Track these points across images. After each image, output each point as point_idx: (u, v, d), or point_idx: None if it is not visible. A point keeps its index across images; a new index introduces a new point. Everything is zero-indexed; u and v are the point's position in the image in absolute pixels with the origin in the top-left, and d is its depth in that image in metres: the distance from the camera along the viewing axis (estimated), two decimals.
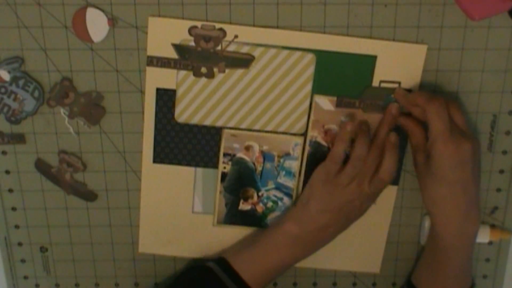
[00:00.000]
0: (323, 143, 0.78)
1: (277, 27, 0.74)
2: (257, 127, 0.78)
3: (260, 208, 0.82)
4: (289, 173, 0.80)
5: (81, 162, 0.80)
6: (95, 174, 0.81)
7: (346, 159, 0.79)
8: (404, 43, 0.74)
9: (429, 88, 0.77)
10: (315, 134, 0.78)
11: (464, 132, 0.71)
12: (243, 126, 0.78)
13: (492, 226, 0.83)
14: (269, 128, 0.78)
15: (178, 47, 0.74)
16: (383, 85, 0.75)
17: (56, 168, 0.80)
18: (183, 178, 0.81)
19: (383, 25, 0.74)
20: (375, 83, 0.75)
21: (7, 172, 0.81)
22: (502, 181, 0.82)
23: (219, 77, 0.76)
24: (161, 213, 0.82)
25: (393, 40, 0.74)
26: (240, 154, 0.79)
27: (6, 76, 0.76)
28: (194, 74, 0.76)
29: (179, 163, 0.80)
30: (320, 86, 0.76)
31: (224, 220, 0.83)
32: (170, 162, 0.80)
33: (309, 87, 0.76)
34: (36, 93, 0.76)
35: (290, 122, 0.77)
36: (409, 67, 0.75)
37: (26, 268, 0.86)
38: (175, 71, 0.75)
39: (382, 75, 0.75)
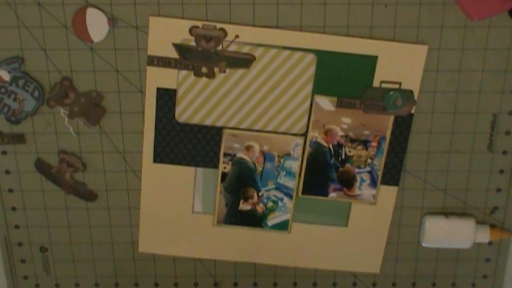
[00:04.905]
0: (324, 143, 0.78)
1: (277, 27, 0.74)
2: (257, 127, 0.78)
3: (260, 208, 0.82)
4: (289, 173, 0.80)
5: (81, 162, 0.80)
6: (95, 174, 0.81)
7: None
8: (405, 43, 0.74)
9: (429, 88, 0.77)
10: (315, 135, 0.78)
11: None
12: (244, 126, 0.78)
13: (492, 226, 0.83)
14: (269, 128, 0.78)
15: (179, 47, 0.74)
16: (384, 85, 0.76)
17: (56, 168, 0.80)
18: (183, 178, 0.81)
19: (383, 25, 0.74)
20: (376, 83, 0.75)
21: (7, 172, 0.81)
22: (502, 181, 0.82)
23: (219, 77, 0.76)
24: (161, 213, 0.82)
25: (393, 40, 0.74)
26: (240, 154, 0.79)
27: (6, 76, 0.75)
28: (195, 74, 0.75)
29: (179, 163, 0.80)
30: (320, 86, 0.76)
31: (224, 220, 0.83)
32: (170, 162, 0.80)
33: (309, 87, 0.76)
34: (36, 93, 0.76)
35: (291, 122, 0.77)
36: (410, 68, 0.75)
37: (26, 268, 0.86)
38: (175, 71, 0.75)
39: (382, 75, 0.75)
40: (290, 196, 0.81)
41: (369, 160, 0.79)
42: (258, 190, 0.81)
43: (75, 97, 0.77)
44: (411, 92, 0.76)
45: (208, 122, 0.78)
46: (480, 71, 0.76)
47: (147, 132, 0.78)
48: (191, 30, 0.73)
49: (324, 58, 0.75)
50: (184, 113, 0.77)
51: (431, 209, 0.83)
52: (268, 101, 0.77)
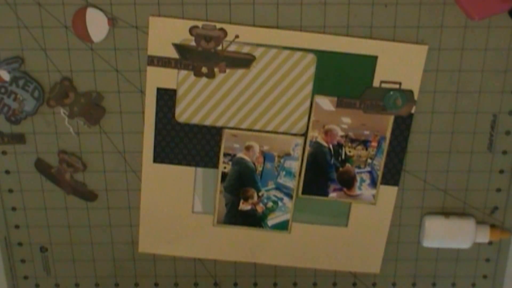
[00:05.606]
0: (324, 143, 0.78)
1: (277, 27, 0.74)
2: (257, 127, 0.78)
3: (260, 208, 0.82)
4: (289, 173, 0.80)
5: (81, 162, 0.80)
6: (95, 174, 0.81)
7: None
8: (405, 43, 0.74)
9: (429, 88, 0.77)
10: (315, 134, 0.78)
11: None
12: (244, 126, 0.78)
13: (492, 226, 0.83)
14: (269, 128, 0.78)
15: (179, 47, 0.74)
16: (384, 85, 0.76)
17: (56, 168, 0.80)
18: (183, 178, 0.81)
19: (383, 25, 0.74)
20: (376, 83, 0.75)
21: (7, 172, 0.81)
22: (502, 181, 0.82)
23: (219, 77, 0.76)
24: (161, 213, 0.82)
25: (393, 40, 0.74)
26: (240, 154, 0.79)
27: (6, 76, 0.75)
28: (195, 74, 0.75)
29: (179, 163, 0.80)
30: (320, 86, 0.76)
31: (224, 220, 0.83)
32: (170, 162, 0.80)
33: (309, 87, 0.76)
34: (36, 93, 0.76)
35: (291, 122, 0.77)
36: (410, 68, 0.75)
37: (26, 268, 0.86)
38: (175, 71, 0.75)
39: (382, 75, 0.75)
40: (290, 196, 0.81)
41: (369, 160, 0.79)
42: (258, 190, 0.81)
43: (75, 97, 0.77)
44: (411, 92, 0.76)
45: (208, 122, 0.78)
46: (480, 71, 0.76)
47: (147, 132, 0.78)
48: (191, 30, 0.73)
49: (324, 58, 0.75)
50: (184, 113, 0.77)
51: (431, 209, 0.83)
52: (268, 101, 0.77)
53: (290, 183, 0.80)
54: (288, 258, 0.85)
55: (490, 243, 0.85)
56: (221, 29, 0.73)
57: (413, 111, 0.77)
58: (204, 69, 0.75)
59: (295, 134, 0.78)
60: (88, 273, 0.87)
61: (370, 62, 0.75)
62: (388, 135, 0.78)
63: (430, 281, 0.87)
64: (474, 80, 0.77)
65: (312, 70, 0.75)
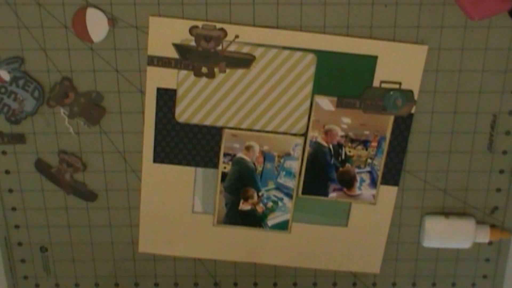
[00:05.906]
0: (324, 143, 0.78)
1: (277, 27, 0.74)
2: (257, 127, 0.78)
3: (260, 208, 0.82)
4: (289, 173, 0.80)
5: (81, 162, 0.80)
6: (95, 174, 0.81)
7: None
8: (405, 43, 0.74)
9: (429, 88, 0.77)
10: (315, 134, 0.78)
11: None
12: (244, 126, 0.78)
13: (492, 226, 0.83)
14: (269, 128, 0.78)
15: (179, 47, 0.74)
16: (384, 85, 0.76)
17: (56, 168, 0.80)
18: (183, 178, 0.81)
19: (383, 25, 0.74)
20: (376, 83, 0.75)
21: (7, 172, 0.81)
22: (502, 181, 0.82)
23: (219, 77, 0.76)
24: (161, 213, 0.82)
25: (393, 40, 0.74)
26: (240, 154, 0.79)
27: (6, 76, 0.75)
28: (195, 74, 0.75)
29: (179, 163, 0.80)
30: (320, 86, 0.76)
31: (224, 220, 0.83)
32: (170, 162, 0.80)
33: (309, 87, 0.76)
34: (36, 93, 0.76)
35: (291, 122, 0.77)
36: (410, 68, 0.75)
37: (26, 268, 0.86)
38: (175, 71, 0.75)
39: (382, 75, 0.75)
40: (290, 196, 0.81)
41: (369, 160, 0.79)
42: (258, 190, 0.81)
43: (75, 97, 0.77)
44: (411, 92, 0.76)
45: (208, 122, 0.78)
46: (480, 71, 0.76)
47: (147, 132, 0.78)
48: (191, 30, 0.73)
49: (324, 58, 0.75)
50: (184, 113, 0.77)
51: (431, 209, 0.83)
52: (268, 101, 0.77)
53: (290, 183, 0.80)
54: (288, 258, 0.85)
55: (490, 243, 0.85)
56: (221, 29, 0.73)
57: (413, 111, 0.77)
58: (204, 69, 0.75)
59: (295, 134, 0.78)
60: (88, 273, 0.87)
61: (370, 62, 0.75)
62: (388, 135, 0.78)
63: (430, 281, 0.87)
64: (474, 80, 0.77)
65: (312, 70, 0.75)
